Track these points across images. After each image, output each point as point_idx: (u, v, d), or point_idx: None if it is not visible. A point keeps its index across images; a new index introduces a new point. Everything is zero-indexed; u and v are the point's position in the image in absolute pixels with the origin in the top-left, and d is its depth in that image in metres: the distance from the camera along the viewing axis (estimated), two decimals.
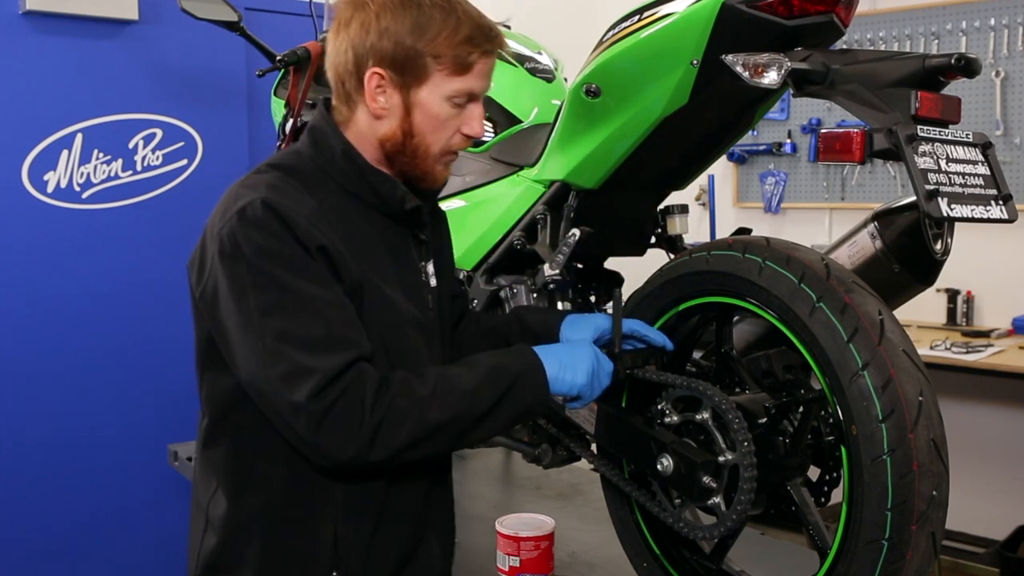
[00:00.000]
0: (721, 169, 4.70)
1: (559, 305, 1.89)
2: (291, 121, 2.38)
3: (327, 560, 1.39)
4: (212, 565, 1.42)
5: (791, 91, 1.38)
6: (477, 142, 2.09)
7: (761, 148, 4.56)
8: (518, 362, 1.38)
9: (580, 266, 1.94)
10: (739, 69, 1.39)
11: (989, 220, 1.28)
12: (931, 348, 3.56)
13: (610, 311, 1.59)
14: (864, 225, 1.69)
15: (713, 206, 4.50)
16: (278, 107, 2.59)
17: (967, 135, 1.33)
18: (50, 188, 3.09)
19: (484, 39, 1.37)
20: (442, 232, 1.64)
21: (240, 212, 1.29)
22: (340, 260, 1.32)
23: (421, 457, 1.33)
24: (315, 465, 1.32)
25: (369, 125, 1.41)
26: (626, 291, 1.66)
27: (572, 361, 1.40)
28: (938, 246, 1.58)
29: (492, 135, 2.10)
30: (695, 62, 1.46)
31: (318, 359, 1.25)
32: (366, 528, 1.41)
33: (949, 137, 1.30)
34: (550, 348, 1.42)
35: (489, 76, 1.42)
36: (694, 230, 3.29)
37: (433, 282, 1.54)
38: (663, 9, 1.49)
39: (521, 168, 1.95)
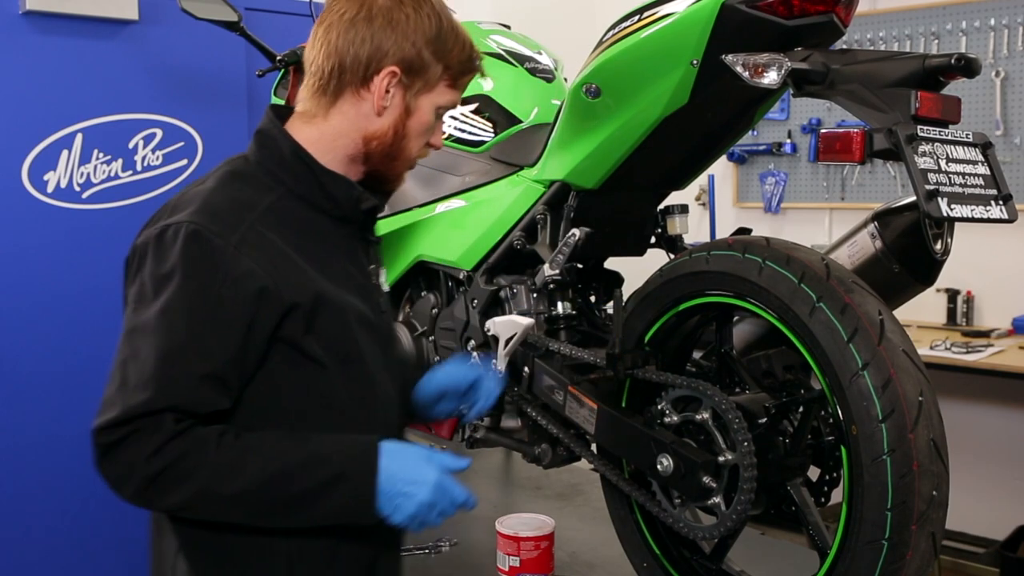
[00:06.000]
0: (721, 169, 4.70)
1: (559, 305, 1.89)
2: None
3: None
4: None
5: (791, 91, 1.38)
6: (477, 142, 2.09)
7: (761, 148, 4.56)
8: (348, 462, 1.29)
9: (580, 266, 1.94)
10: (739, 69, 1.39)
11: (989, 220, 1.28)
12: (931, 348, 3.56)
13: (610, 311, 1.59)
14: (864, 225, 1.69)
15: (713, 206, 4.50)
16: None
17: (967, 135, 1.33)
18: (50, 188, 3.09)
19: (478, 61, 1.46)
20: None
21: (161, 232, 1.29)
22: (281, 286, 1.28)
23: (223, 520, 1.30)
24: None
25: (354, 121, 1.40)
26: (626, 291, 1.66)
27: (411, 485, 1.30)
28: (938, 246, 1.58)
29: (492, 135, 2.10)
30: (695, 62, 1.46)
31: (128, 394, 1.23)
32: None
33: (949, 137, 1.30)
34: (399, 454, 1.32)
35: None
36: (694, 230, 3.28)
37: (385, 288, 1.53)
38: (663, 9, 1.49)
39: (521, 168, 1.94)
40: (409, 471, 1.30)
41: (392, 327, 1.53)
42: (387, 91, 1.38)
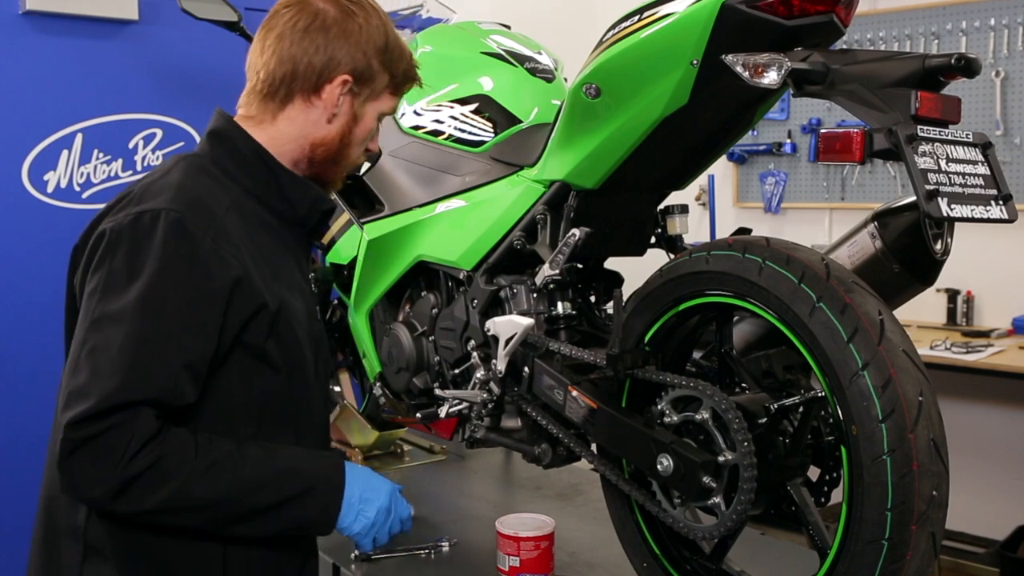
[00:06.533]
0: (721, 169, 4.70)
1: (559, 305, 1.89)
2: None
3: None
4: None
5: (791, 91, 1.38)
6: (477, 142, 2.09)
7: (761, 148, 4.56)
8: (319, 476, 1.36)
9: (580, 266, 1.94)
10: (739, 69, 1.39)
11: (989, 220, 1.28)
12: (931, 348, 3.56)
13: (610, 311, 1.59)
14: (864, 225, 1.70)
15: (713, 206, 4.50)
16: None
17: (967, 135, 1.33)
18: (50, 188, 3.09)
19: (417, 70, 1.55)
20: None
21: (136, 218, 1.27)
22: (255, 284, 1.30)
23: (184, 525, 1.28)
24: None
25: (302, 127, 1.43)
26: (626, 291, 1.66)
27: (370, 492, 1.41)
28: (938, 246, 1.58)
29: (492, 135, 2.10)
30: (695, 62, 1.46)
31: (102, 385, 1.18)
32: None
33: (949, 137, 1.30)
34: (355, 470, 1.42)
35: None
36: (694, 230, 3.29)
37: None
38: (663, 9, 1.49)
39: (521, 168, 1.94)
40: (367, 481, 1.42)
41: (323, 334, 1.54)
42: (338, 99, 1.42)
